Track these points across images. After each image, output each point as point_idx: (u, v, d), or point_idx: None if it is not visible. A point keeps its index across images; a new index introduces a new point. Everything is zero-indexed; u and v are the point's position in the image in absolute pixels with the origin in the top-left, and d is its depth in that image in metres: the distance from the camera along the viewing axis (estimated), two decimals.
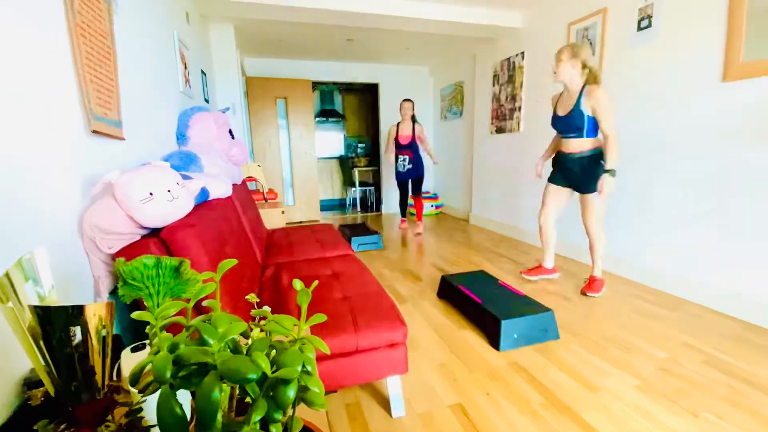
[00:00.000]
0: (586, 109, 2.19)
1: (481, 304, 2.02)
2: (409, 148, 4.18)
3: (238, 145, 2.34)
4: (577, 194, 2.43)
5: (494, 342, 1.85)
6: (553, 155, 2.54)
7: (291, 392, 0.36)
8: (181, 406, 0.34)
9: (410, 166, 4.22)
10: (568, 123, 2.27)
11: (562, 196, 2.50)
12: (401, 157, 4.24)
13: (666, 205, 2.44)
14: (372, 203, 6.75)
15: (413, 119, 4.16)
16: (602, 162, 2.22)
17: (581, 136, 2.26)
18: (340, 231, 4.22)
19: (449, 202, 5.56)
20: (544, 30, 3.40)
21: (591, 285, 2.43)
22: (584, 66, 2.22)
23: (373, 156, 6.93)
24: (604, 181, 2.16)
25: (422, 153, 4.32)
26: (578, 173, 2.33)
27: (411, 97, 5.74)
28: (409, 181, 4.37)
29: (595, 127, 2.23)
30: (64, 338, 0.49)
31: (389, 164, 4.79)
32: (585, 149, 2.28)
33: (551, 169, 2.56)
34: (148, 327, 0.42)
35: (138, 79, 1.54)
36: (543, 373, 1.64)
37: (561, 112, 2.32)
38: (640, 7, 2.50)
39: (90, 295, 1.03)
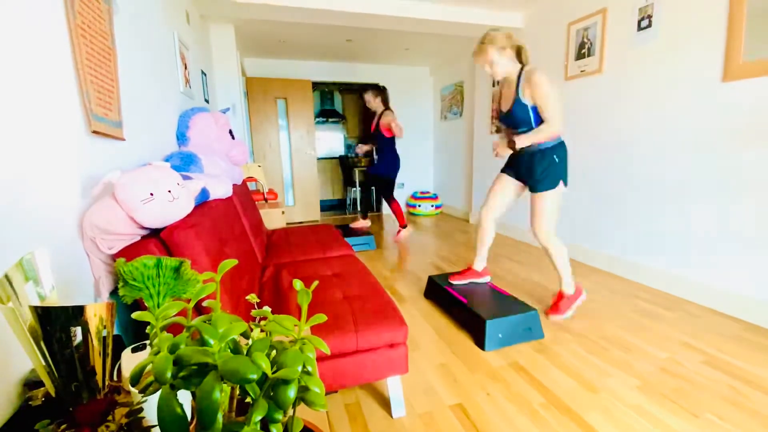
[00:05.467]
0: (527, 99, 1.91)
1: (467, 304, 2.03)
2: (375, 138, 3.92)
3: (238, 145, 2.34)
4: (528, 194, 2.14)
5: (479, 342, 1.87)
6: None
7: (291, 392, 0.36)
8: (181, 406, 0.34)
9: (376, 158, 3.93)
10: (513, 118, 1.98)
11: (509, 190, 2.17)
12: (373, 148, 4.03)
13: (665, 205, 2.44)
14: (372, 204, 6.74)
15: (384, 105, 3.87)
16: (555, 157, 1.95)
17: (531, 128, 1.96)
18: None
19: (449, 202, 5.56)
20: (544, 30, 3.40)
21: (555, 305, 2.12)
22: (512, 47, 1.93)
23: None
24: (504, 145, 1.95)
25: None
26: (528, 168, 2.03)
27: (411, 97, 5.73)
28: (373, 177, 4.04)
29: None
30: (65, 338, 0.49)
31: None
32: (536, 143, 1.98)
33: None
34: (148, 327, 0.42)
35: (138, 80, 1.54)
36: (543, 373, 1.64)
37: (504, 108, 2.04)
38: (640, 6, 2.50)
39: (90, 296, 1.03)
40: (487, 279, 2.38)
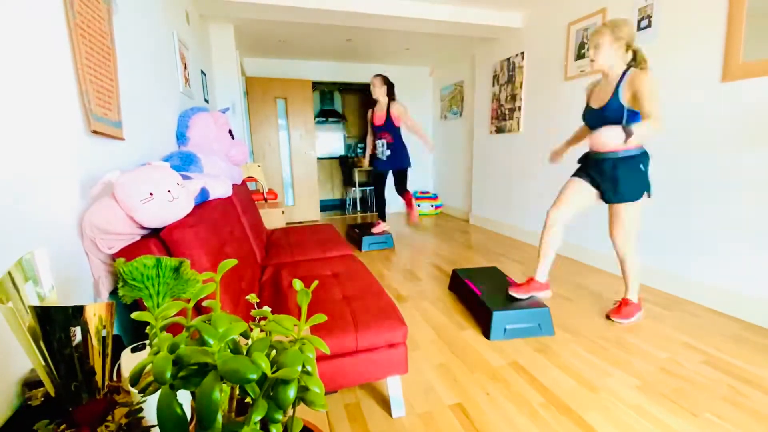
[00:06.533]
0: (626, 100, 1.77)
1: (480, 296, 2.10)
2: (386, 130, 3.59)
3: (238, 145, 2.33)
4: (603, 204, 2.01)
5: (486, 332, 1.94)
6: (581, 153, 2.10)
7: (291, 392, 0.36)
8: (181, 406, 0.34)
9: (389, 152, 3.63)
10: (600, 117, 1.86)
11: (585, 196, 2.00)
12: (379, 142, 3.64)
13: (666, 205, 2.44)
14: (372, 203, 6.75)
15: (390, 96, 3.57)
16: (641, 165, 1.84)
17: None
18: (348, 231, 4.18)
19: (449, 202, 5.56)
20: (544, 30, 3.40)
21: (619, 309, 2.08)
22: (628, 47, 1.79)
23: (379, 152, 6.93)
24: (626, 130, 1.64)
25: (408, 141, 3.66)
26: (609, 177, 1.89)
27: (411, 97, 5.74)
28: (390, 173, 3.79)
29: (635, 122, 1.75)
30: (64, 338, 0.49)
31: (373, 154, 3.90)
32: (619, 149, 1.82)
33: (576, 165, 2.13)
34: (148, 327, 0.42)
35: (138, 80, 1.54)
36: (543, 373, 1.64)
37: (594, 105, 1.92)
38: (640, 7, 2.50)
39: (90, 296, 1.03)
40: (548, 294, 2.14)
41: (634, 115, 1.76)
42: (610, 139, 1.67)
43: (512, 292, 2.07)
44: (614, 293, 2.45)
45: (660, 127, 1.67)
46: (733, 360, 1.68)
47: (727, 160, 2.10)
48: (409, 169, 3.80)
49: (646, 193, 1.89)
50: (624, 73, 1.80)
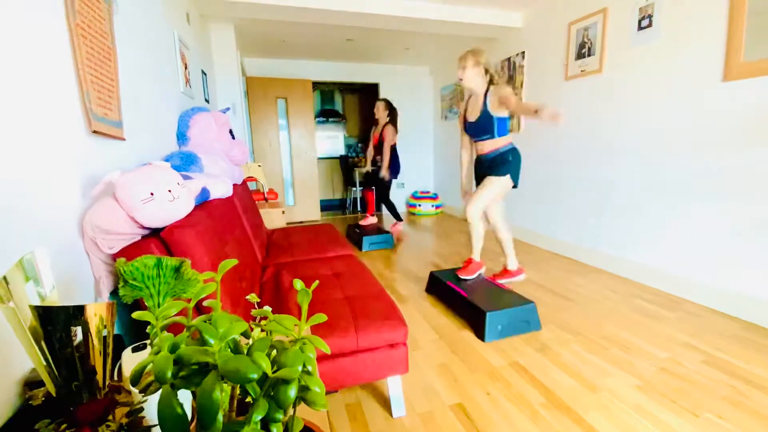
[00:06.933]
0: (493, 110, 2.22)
1: (467, 297, 2.11)
2: (378, 150, 4.18)
3: (238, 145, 2.34)
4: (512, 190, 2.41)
5: (479, 333, 1.94)
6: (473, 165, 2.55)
7: (292, 392, 0.36)
8: (182, 405, 0.34)
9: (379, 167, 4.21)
10: (478, 127, 2.32)
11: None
12: (378, 157, 4.23)
13: (666, 205, 2.44)
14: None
15: (389, 120, 4.04)
16: (509, 156, 2.29)
17: (493, 136, 2.29)
18: (348, 231, 4.24)
19: (450, 202, 5.56)
20: (544, 30, 3.40)
21: (465, 266, 2.46)
22: (487, 71, 2.26)
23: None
24: (543, 114, 1.83)
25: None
26: (487, 166, 2.37)
27: (411, 97, 5.74)
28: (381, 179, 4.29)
29: (503, 127, 2.27)
30: (65, 338, 0.49)
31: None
32: (498, 147, 2.31)
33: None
34: (148, 327, 0.42)
35: (138, 80, 1.54)
36: (543, 372, 1.64)
37: (471, 118, 2.35)
38: (641, 6, 2.50)
39: (91, 295, 1.03)
40: (522, 277, 2.58)
41: (502, 121, 2.26)
42: (492, 144, 2.31)
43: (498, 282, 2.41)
44: (610, 291, 2.45)
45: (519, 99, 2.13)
46: (733, 360, 1.68)
47: (728, 159, 2.09)
48: (393, 182, 4.28)
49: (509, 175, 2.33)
50: (486, 91, 2.27)
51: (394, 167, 4.14)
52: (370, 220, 4.28)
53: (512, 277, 2.55)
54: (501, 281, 2.52)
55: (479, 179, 2.47)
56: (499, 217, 2.50)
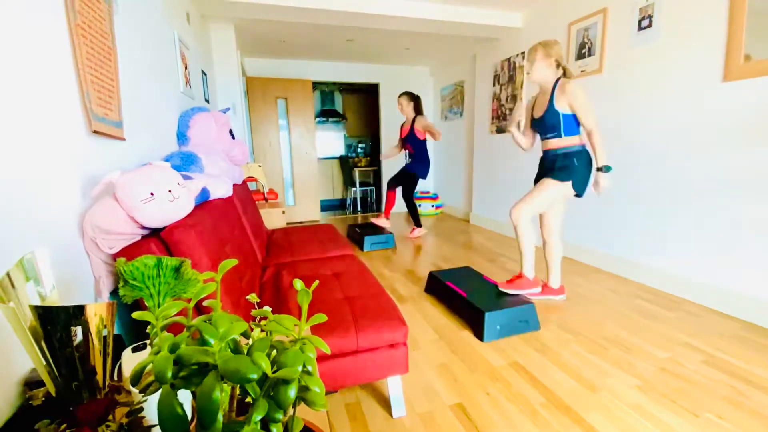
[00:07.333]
0: (561, 107, 2.06)
1: (466, 297, 2.10)
2: (408, 142, 3.99)
3: (238, 145, 2.34)
4: (573, 197, 2.18)
5: (478, 333, 1.94)
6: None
7: (292, 392, 0.36)
8: (182, 405, 0.34)
9: (410, 159, 4.05)
10: (543, 123, 2.15)
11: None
12: (405, 152, 4.11)
13: (666, 205, 2.44)
14: (372, 203, 6.75)
15: (416, 111, 3.93)
16: (575, 160, 2.08)
17: (559, 135, 2.10)
18: (349, 231, 4.21)
19: (450, 202, 5.56)
20: (544, 30, 3.40)
21: (512, 280, 2.27)
22: (558, 65, 2.09)
23: (373, 156, 6.94)
24: (598, 177, 2.01)
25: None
26: (549, 166, 2.18)
27: None
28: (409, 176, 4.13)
29: (572, 126, 2.08)
30: (65, 338, 0.50)
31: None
32: (565, 145, 2.12)
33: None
34: (148, 327, 0.42)
35: (139, 80, 1.54)
36: (543, 373, 1.64)
37: (537, 114, 2.20)
38: (641, 6, 2.50)
39: (91, 295, 1.03)
40: (538, 290, 2.36)
41: (571, 120, 2.08)
42: (557, 143, 2.13)
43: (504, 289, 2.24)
44: (610, 291, 2.44)
45: (601, 137, 2.04)
46: (733, 360, 1.68)
47: (729, 159, 2.09)
48: (420, 181, 4.11)
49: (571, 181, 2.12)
50: (555, 84, 2.10)
51: (425, 165, 4.00)
52: (383, 222, 4.10)
53: (553, 295, 2.34)
54: (540, 297, 2.33)
55: (538, 179, 2.27)
56: (555, 231, 2.26)
